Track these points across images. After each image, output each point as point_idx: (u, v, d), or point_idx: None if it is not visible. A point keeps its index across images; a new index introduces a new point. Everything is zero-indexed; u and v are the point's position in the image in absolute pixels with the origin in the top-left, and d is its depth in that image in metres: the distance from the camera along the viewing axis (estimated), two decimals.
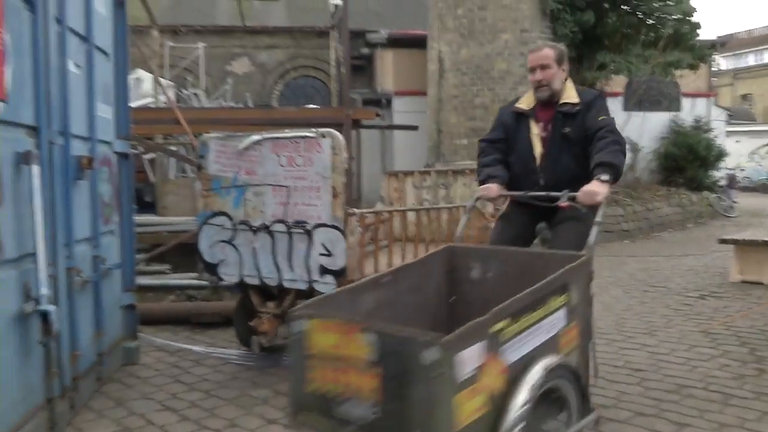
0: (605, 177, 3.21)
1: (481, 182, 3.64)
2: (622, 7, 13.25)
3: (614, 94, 16.05)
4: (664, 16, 13.54)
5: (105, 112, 4.25)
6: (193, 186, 8.38)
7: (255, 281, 4.52)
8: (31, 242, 3.01)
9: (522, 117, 3.70)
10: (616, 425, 3.44)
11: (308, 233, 4.25)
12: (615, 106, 16.50)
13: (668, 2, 13.27)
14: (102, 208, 4.10)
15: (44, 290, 3.00)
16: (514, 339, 2.43)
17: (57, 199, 3.37)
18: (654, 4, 13.37)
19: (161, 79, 10.50)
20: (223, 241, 4.62)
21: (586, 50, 13.10)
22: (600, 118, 3.46)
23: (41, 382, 3.16)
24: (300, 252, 4.30)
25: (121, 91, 4.62)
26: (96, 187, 3.97)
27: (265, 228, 4.43)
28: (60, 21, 3.45)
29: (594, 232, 3.08)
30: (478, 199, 3.66)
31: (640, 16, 13.60)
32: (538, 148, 3.60)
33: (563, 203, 3.32)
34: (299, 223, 4.28)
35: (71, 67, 3.61)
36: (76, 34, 3.74)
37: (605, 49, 13.27)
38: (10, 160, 2.89)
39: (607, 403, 3.78)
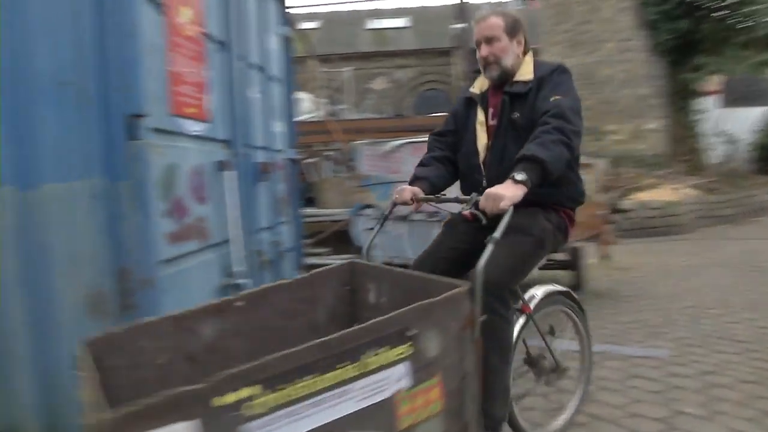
0: (521, 176, 2.02)
1: (409, 183, 2.50)
2: (713, 15, 12.42)
3: (712, 92, 14.96)
4: (756, 19, 12.53)
5: (278, 127, 4.48)
6: (346, 183, 8.69)
7: (398, 261, 4.63)
8: (227, 231, 3.24)
9: (472, 103, 2.55)
10: (719, 390, 3.23)
11: (440, 222, 4.27)
12: (714, 104, 15.36)
13: (759, 6, 12.26)
14: (278, 203, 4.31)
15: (239, 267, 3.21)
16: (272, 414, 1.34)
17: (245, 197, 3.56)
18: (745, 9, 12.39)
19: (317, 99, 10.89)
20: (372, 228, 4.74)
21: (682, 55, 12.44)
22: (552, 99, 2.23)
23: None
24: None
25: (289, 109, 4.86)
26: (273, 186, 4.17)
27: (407, 217, 4.51)
28: (244, 58, 3.69)
29: (489, 249, 1.91)
30: (395, 205, 2.49)
31: (734, 20, 12.67)
32: (482, 140, 2.43)
33: (466, 211, 2.26)
34: (434, 214, 4.32)
35: (254, 93, 3.85)
36: (257, 67, 3.97)
37: (702, 52, 12.48)
38: (211, 167, 3.13)
39: (710, 369, 3.55)
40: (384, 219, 2.53)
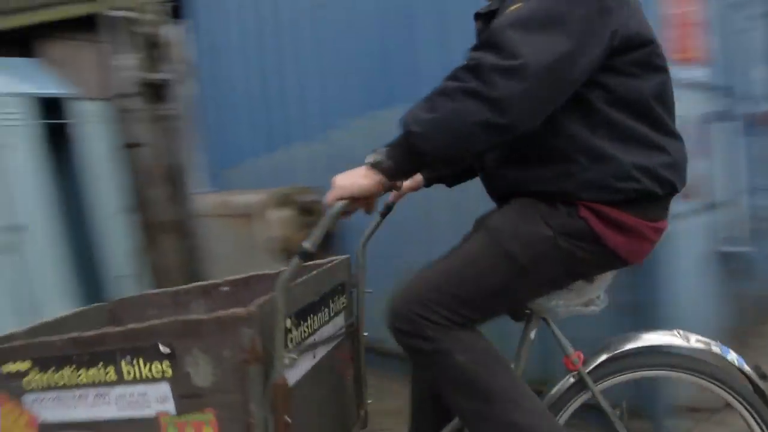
0: (371, 158, 1.17)
1: None
2: None
3: None
4: None
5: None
6: None
7: None
8: (722, 190, 2.68)
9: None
10: None
11: None
12: None
13: None
14: None
15: (737, 233, 2.73)
16: (47, 393, 1.45)
17: (742, 152, 2.95)
18: None
19: None
20: None
21: None
22: (509, 10, 1.17)
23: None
24: None
25: None
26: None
27: None
28: None
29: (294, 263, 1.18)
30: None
31: None
32: None
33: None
34: None
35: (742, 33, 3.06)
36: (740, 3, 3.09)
37: None
38: (711, 118, 2.63)
39: None
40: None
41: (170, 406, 1.36)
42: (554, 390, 1.53)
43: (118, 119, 4.57)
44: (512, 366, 1.45)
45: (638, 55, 1.25)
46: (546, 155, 1.30)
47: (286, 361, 1.29)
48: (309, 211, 3.20)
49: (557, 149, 1.29)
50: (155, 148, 4.71)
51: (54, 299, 3.75)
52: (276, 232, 3.13)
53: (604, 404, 1.49)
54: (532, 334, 1.51)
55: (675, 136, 1.35)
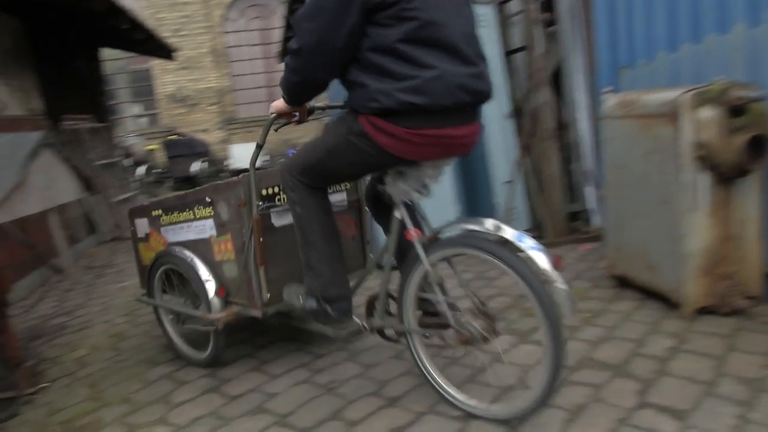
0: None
1: None
2: None
3: None
4: None
5: None
6: None
7: None
8: None
9: None
10: None
11: None
12: None
13: None
14: None
15: None
16: (169, 226, 2.97)
17: None
18: None
19: None
20: None
21: None
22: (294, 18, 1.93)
23: None
24: None
25: None
26: None
27: None
28: None
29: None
30: None
31: None
32: None
33: None
34: None
35: None
36: None
37: None
38: None
39: None
40: None
41: (214, 232, 2.70)
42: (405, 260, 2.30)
43: (502, 23, 4.84)
44: (332, 229, 2.26)
45: (391, 11, 1.82)
46: (348, 84, 2.02)
47: (256, 207, 2.49)
48: (739, 112, 2.67)
49: (348, 81, 1.99)
50: (538, 52, 4.71)
51: (440, 205, 4.00)
52: (699, 135, 2.69)
53: (432, 275, 2.13)
54: (397, 213, 2.24)
55: (430, 66, 1.84)
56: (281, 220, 2.61)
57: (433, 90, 1.86)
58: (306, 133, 16.27)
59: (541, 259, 1.87)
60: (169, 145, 13.90)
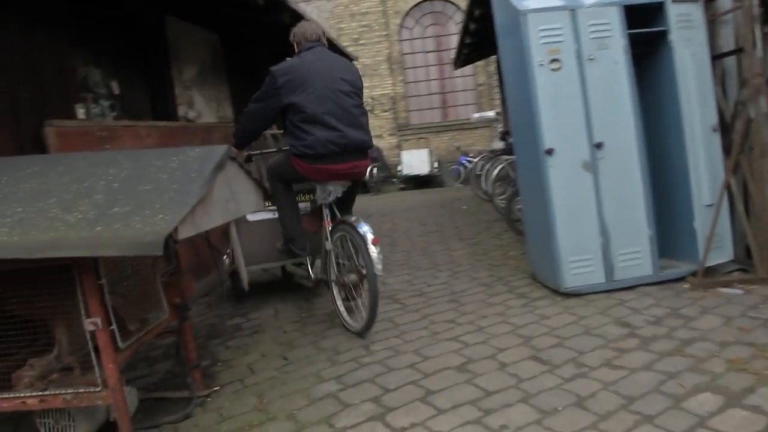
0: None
1: None
2: None
3: None
4: None
5: None
6: None
7: None
8: None
9: None
10: None
11: None
12: None
13: None
14: None
15: None
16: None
17: None
18: None
19: None
20: None
21: None
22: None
23: None
24: None
25: None
26: None
27: None
28: None
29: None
30: None
31: None
32: None
33: None
34: None
35: None
36: None
37: None
38: None
39: None
40: None
41: None
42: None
43: (710, 22, 4.24)
44: (293, 203, 4.09)
45: (293, 109, 3.61)
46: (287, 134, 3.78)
47: None
48: None
49: (290, 135, 3.71)
50: (756, 55, 4.00)
51: (632, 221, 3.96)
52: None
53: (333, 252, 3.90)
54: (325, 213, 3.98)
55: (321, 133, 3.57)
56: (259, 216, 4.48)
57: (314, 146, 3.61)
58: (475, 141, 16.02)
59: (370, 237, 3.51)
60: None
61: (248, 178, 2.90)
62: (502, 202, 7.77)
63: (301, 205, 4.37)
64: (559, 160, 3.91)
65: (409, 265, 5.54)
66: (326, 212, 3.95)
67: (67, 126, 4.02)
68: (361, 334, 3.66)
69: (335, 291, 3.92)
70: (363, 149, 3.74)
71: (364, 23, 16.43)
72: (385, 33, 16.45)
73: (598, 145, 3.90)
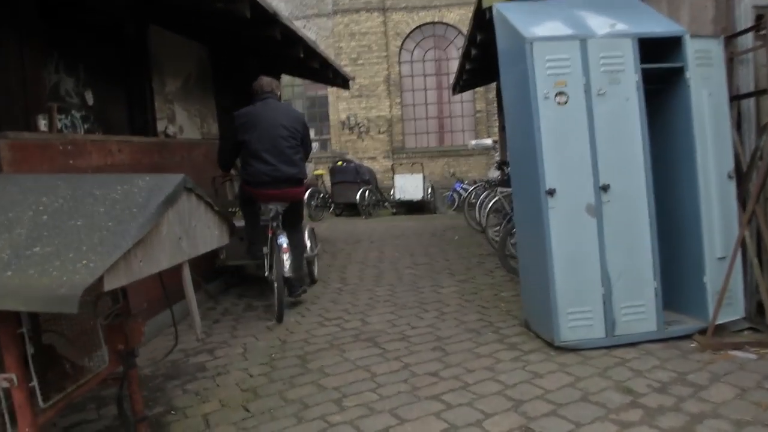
0: None
1: None
2: None
3: None
4: None
5: None
6: None
7: None
8: None
9: None
10: None
11: None
12: None
13: None
14: None
15: None
16: None
17: None
18: None
19: None
20: None
21: None
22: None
23: None
24: None
25: None
26: None
27: None
28: None
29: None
30: None
31: None
32: None
33: None
34: None
35: None
36: None
37: None
38: None
39: None
40: None
41: None
42: None
43: (730, 61, 3.91)
44: (254, 217, 5.29)
45: (244, 144, 4.97)
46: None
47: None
48: None
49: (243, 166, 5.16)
50: None
51: (636, 272, 3.62)
52: None
53: (268, 255, 5.12)
54: (270, 224, 5.04)
55: (259, 165, 4.90)
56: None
57: (254, 175, 4.92)
58: (471, 169, 15.76)
59: (282, 247, 4.85)
60: (335, 171, 14.11)
61: (210, 211, 2.56)
62: (496, 234, 7.46)
63: (262, 217, 5.36)
64: (561, 201, 3.59)
65: (394, 302, 5.19)
66: (271, 224, 4.98)
67: (25, 139, 3.67)
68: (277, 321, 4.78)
69: (275, 284, 4.84)
70: (293, 180, 4.98)
71: (363, 43, 16.24)
72: (384, 54, 16.26)
73: (604, 188, 3.59)
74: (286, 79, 15.78)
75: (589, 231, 3.60)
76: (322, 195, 14.33)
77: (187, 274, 2.52)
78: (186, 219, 2.32)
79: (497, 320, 4.42)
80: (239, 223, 5.09)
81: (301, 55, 6.44)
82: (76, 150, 4.11)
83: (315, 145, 17.56)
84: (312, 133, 17.69)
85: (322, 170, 14.79)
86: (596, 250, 3.60)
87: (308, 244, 6.03)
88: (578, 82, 3.58)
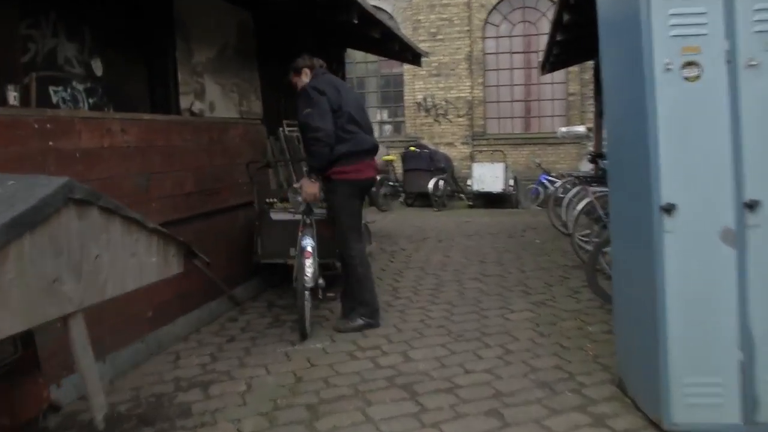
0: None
1: None
2: None
3: None
4: None
5: None
6: None
7: None
8: None
9: None
10: None
11: None
12: None
13: None
14: None
15: None
16: None
17: None
18: None
19: None
20: None
21: None
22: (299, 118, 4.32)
23: None
24: None
25: None
26: None
27: None
28: None
29: None
30: None
31: None
32: None
33: None
34: None
35: None
36: None
37: None
38: None
39: None
40: None
41: None
42: None
43: None
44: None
45: (340, 110, 4.12)
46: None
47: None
48: None
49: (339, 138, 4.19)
50: None
51: (715, 349, 2.58)
52: None
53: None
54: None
55: (361, 133, 4.21)
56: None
57: (360, 143, 4.23)
58: (559, 160, 14.42)
59: (304, 250, 4.13)
60: (407, 157, 13.20)
61: (137, 231, 1.72)
62: (584, 241, 6.34)
63: (318, 211, 4.54)
64: (683, 222, 2.52)
65: (448, 329, 4.24)
66: (303, 219, 4.33)
67: None
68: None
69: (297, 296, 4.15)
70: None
71: (444, 16, 15.10)
72: (467, 28, 15.06)
73: (751, 205, 2.48)
74: (358, 55, 14.99)
75: (725, 267, 2.51)
76: (392, 183, 13.47)
77: (77, 332, 1.69)
78: (74, 248, 1.49)
79: (580, 371, 3.39)
80: (318, 212, 4.55)
81: (355, 21, 5.54)
82: (59, 129, 3.41)
83: (387, 128, 16.79)
84: (385, 115, 16.89)
85: (393, 156, 13.87)
86: (734, 296, 2.51)
87: None
88: (718, 47, 2.48)
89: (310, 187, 4.12)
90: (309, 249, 4.10)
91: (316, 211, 4.52)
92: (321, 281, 4.24)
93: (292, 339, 4.12)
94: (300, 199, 4.24)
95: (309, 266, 4.02)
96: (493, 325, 4.31)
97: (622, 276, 3.14)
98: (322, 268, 4.49)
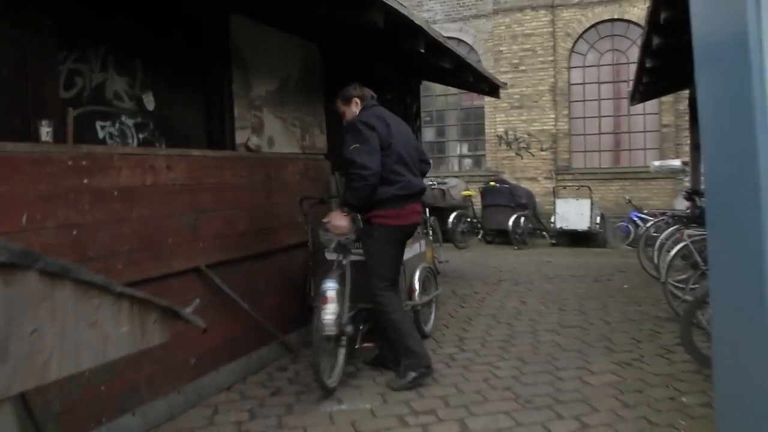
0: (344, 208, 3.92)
1: None
2: None
3: None
4: None
5: None
6: None
7: None
8: None
9: None
10: None
11: None
12: None
13: None
14: None
15: None
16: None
17: None
18: None
19: None
20: None
21: None
22: (345, 152, 3.95)
23: None
24: None
25: None
26: None
27: None
28: None
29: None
30: None
31: None
32: None
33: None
34: None
35: None
36: None
37: None
38: None
39: None
40: None
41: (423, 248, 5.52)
42: None
43: None
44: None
45: (390, 147, 3.91)
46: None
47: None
48: None
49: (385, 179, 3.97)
50: None
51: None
52: None
53: None
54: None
55: (409, 175, 3.97)
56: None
57: (406, 187, 4.00)
58: (652, 196, 13.46)
59: (324, 295, 3.72)
60: (486, 193, 12.70)
61: (99, 296, 1.42)
62: (678, 289, 5.64)
63: (356, 251, 4.22)
64: None
65: (516, 393, 3.73)
66: (338, 259, 4.06)
67: (7, 151, 2.85)
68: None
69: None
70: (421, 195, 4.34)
71: (527, 46, 14.61)
72: (551, 59, 14.49)
73: None
74: (438, 88, 14.71)
75: None
76: (470, 219, 12.98)
77: (2, 424, 1.38)
78: (45, 318, 1.20)
79: None
80: (355, 255, 4.18)
81: (422, 50, 5.23)
82: (95, 166, 3.26)
83: (467, 162, 16.36)
84: (465, 149, 16.47)
85: (472, 191, 13.38)
86: None
87: (416, 287, 4.79)
88: None
89: (340, 220, 3.83)
90: (329, 294, 3.72)
91: (353, 250, 4.19)
92: (349, 328, 3.89)
93: (340, 396, 3.75)
94: (330, 235, 3.96)
95: (329, 312, 3.66)
96: (568, 389, 3.77)
97: (724, 337, 2.57)
98: (362, 314, 4.21)
